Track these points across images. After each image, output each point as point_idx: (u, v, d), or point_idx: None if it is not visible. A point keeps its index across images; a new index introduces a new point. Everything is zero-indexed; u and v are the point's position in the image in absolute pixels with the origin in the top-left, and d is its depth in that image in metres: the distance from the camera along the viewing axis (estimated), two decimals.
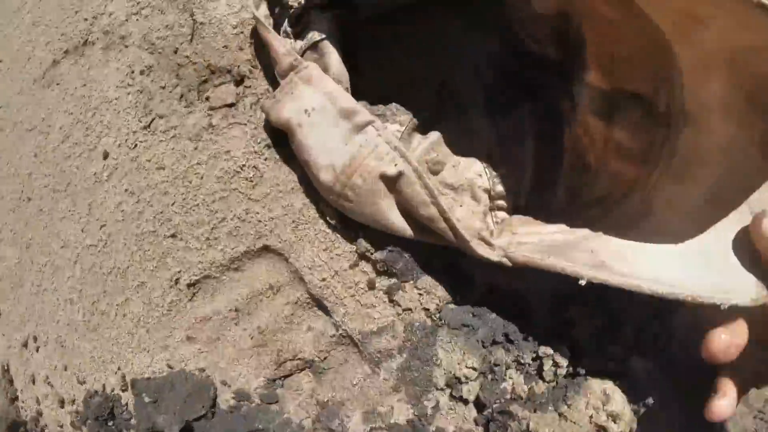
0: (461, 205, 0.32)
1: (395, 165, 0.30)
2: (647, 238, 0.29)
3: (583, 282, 0.28)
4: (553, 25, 0.32)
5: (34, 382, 0.56)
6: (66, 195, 0.47)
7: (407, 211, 0.31)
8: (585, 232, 0.31)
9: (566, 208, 0.34)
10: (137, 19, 0.46)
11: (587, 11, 0.30)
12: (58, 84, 0.51)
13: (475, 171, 0.32)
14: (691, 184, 0.29)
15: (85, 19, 0.51)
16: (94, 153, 0.44)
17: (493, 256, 0.30)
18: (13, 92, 0.57)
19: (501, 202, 0.33)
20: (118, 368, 0.45)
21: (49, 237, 0.49)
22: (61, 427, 0.53)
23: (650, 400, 0.39)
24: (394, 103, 0.34)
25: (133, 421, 0.45)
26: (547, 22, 0.32)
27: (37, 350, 0.53)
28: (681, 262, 0.27)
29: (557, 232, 0.31)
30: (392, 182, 0.30)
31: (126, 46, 0.45)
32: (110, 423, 0.47)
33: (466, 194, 0.32)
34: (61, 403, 0.52)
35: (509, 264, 0.30)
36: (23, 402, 0.59)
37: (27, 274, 0.52)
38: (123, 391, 0.45)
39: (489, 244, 0.31)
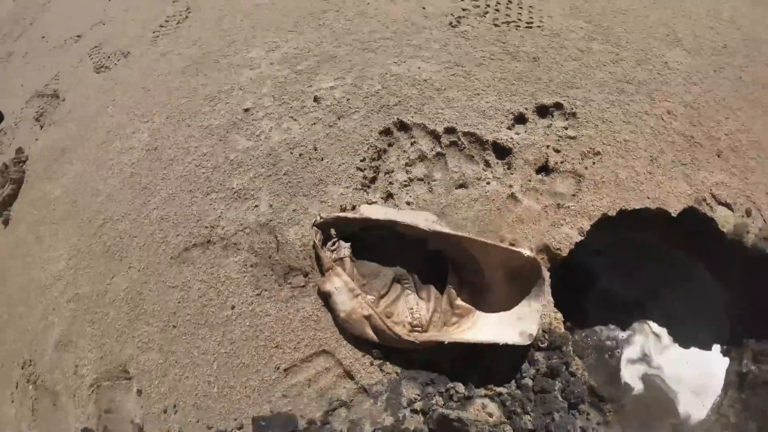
0: (398, 328, 0.80)
1: (367, 311, 0.77)
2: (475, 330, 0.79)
3: (446, 341, 0.76)
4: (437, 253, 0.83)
5: None
6: (205, 326, 0.89)
7: (375, 330, 0.78)
8: (449, 331, 0.80)
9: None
10: (242, 234, 0.92)
11: (448, 251, 0.81)
12: (192, 263, 0.94)
13: (405, 315, 0.81)
14: (484, 307, 0.81)
15: (206, 227, 0.96)
16: (224, 305, 0.88)
17: (410, 338, 0.77)
18: (152, 261, 0.99)
19: (416, 328, 0.81)
20: (237, 417, 0.86)
21: (192, 349, 0.90)
22: None
23: (517, 409, 0.87)
24: (373, 283, 0.83)
25: None
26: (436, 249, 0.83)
27: (175, 413, 0.93)
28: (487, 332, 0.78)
29: (438, 333, 0.80)
30: (368, 318, 0.78)
31: (238, 249, 0.91)
32: None
33: (400, 325, 0.80)
34: None
35: (417, 342, 0.77)
36: None
37: (171, 369, 0.92)
38: (238, 429, 0.86)
39: (409, 336, 0.78)
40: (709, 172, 0.94)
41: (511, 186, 0.96)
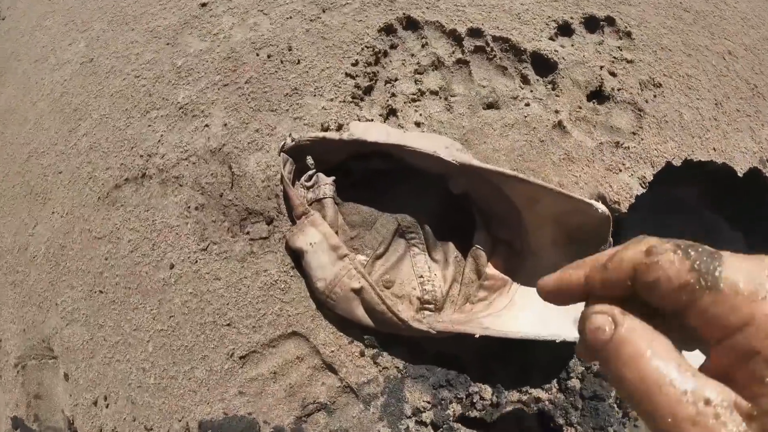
0: (402, 305, 0.53)
1: (359, 282, 0.50)
2: (513, 313, 0.52)
3: (477, 335, 0.49)
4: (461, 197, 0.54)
5: None
6: (137, 292, 0.64)
7: (368, 311, 0.51)
8: (475, 312, 0.52)
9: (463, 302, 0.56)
10: (187, 165, 0.65)
11: (476, 195, 0.52)
12: (122, 205, 0.69)
13: (411, 286, 0.54)
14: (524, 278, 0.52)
15: (141, 156, 0.69)
16: (161, 263, 0.63)
17: (423, 326, 0.50)
18: (77, 203, 0.74)
19: (427, 305, 0.54)
20: (182, 417, 0.62)
21: (122, 322, 0.66)
22: None
23: (559, 420, 0.61)
24: (365, 237, 0.55)
25: None
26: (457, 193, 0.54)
27: (107, 407, 0.70)
28: (530, 319, 0.50)
29: (460, 314, 0.53)
30: (358, 292, 0.51)
31: (180, 186, 0.64)
32: None
33: (405, 300, 0.53)
34: None
35: (434, 332, 0.50)
36: None
37: (99, 348, 0.69)
38: None
39: (420, 321, 0.51)
40: None
41: (557, 112, 0.68)
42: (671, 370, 0.20)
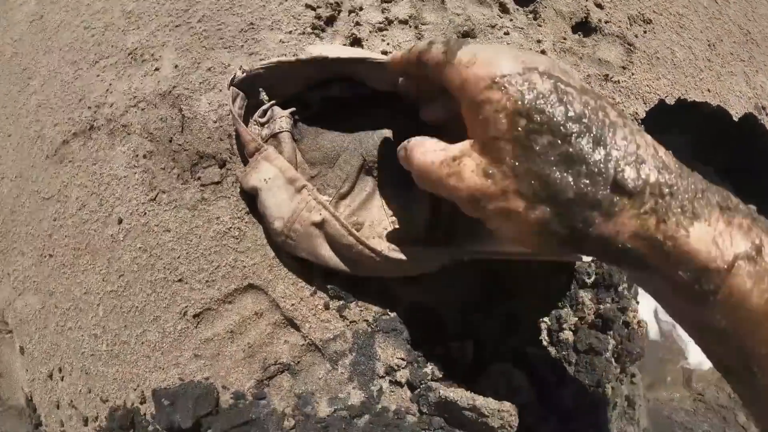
0: (373, 240, 0.46)
1: (320, 214, 0.44)
2: None
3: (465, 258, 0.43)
4: None
5: (58, 407, 0.67)
6: (86, 252, 0.59)
7: (335, 248, 0.45)
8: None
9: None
10: (136, 111, 0.59)
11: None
12: (70, 161, 0.63)
13: (383, 227, 0.47)
14: None
15: (89, 107, 0.63)
16: (109, 219, 0.57)
17: (401, 255, 0.44)
18: (26, 165, 0.69)
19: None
20: (137, 386, 0.57)
21: (72, 286, 0.60)
22: None
23: (551, 377, 0.55)
24: (327, 175, 0.49)
25: (150, 428, 0.57)
26: None
27: (62, 379, 0.64)
28: None
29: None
30: (320, 226, 0.45)
31: (128, 134, 0.58)
32: (131, 431, 0.59)
33: (377, 239, 0.47)
34: (85, 421, 0.63)
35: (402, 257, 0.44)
36: (46, 426, 0.70)
37: (51, 317, 0.64)
38: (141, 404, 0.57)
39: (396, 251, 0.44)
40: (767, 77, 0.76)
41: (539, 42, 0.62)
42: (435, 156, 0.31)
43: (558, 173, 0.26)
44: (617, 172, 0.25)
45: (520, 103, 0.26)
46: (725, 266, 0.24)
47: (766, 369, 0.24)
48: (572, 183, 0.25)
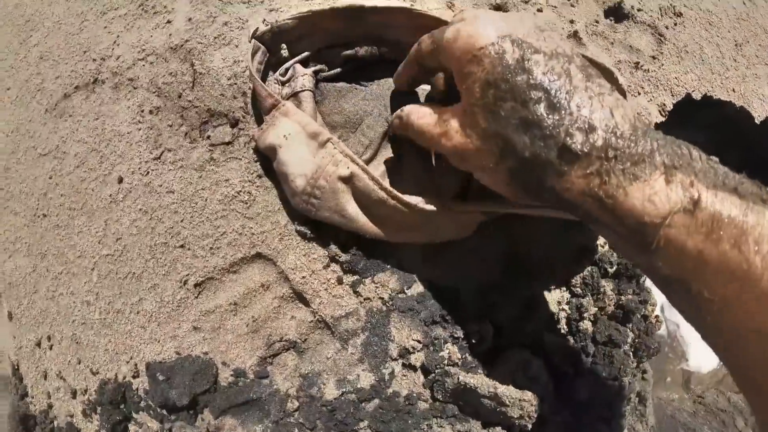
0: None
1: (347, 168, 0.40)
2: None
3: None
4: None
5: (45, 378, 0.63)
6: (82, 213, 0.55)
7: (363, 204, 0.42)
8: None
9: None
10: (144, 65, 0.55)
11: None
12: (70, 116, 0.59)
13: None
14: None
15: (94, 60, 0.59)
16: (108, 178, 0.53)
17: (439, 207, 0.41)
18: (23, 119, 0.65)
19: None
20: (131, 358, 0.53)
21: (66, 248, 0.57)
22: (72, 417, 0.61)
23: (568, 368, 0.52)
24: (350, 138, 0.46)
25: (143, 404, 0.54)
26: None
27: (51, 348, 0.61)
28: None
29: None
30: (347, 181, 0.41)
31: (135, 88, 0.54)
32: (122, 406, 0.55)
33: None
34: (74, 394, 0.60)
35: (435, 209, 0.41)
36: (33, 397, 0.66)
37: (42, 281, 0.60)
38: (134, 378, 0.54)
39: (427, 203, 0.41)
40: None
41: (572, 22, 0.59)
42: (427, 120, 0.36)
43: (517, 135, 0.30)
44: (567, 136, 0.28)
45: (490, 75, 0.30)
46: (659, 220, 0.27)
47: (713, 312, 0.27)
48: (529, 144, 0.29)
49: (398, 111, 0.40)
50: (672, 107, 0.62)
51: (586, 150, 0.28)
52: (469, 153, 0.33)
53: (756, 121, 0.68)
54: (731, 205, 0.26)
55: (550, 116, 0.29)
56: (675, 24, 0.67)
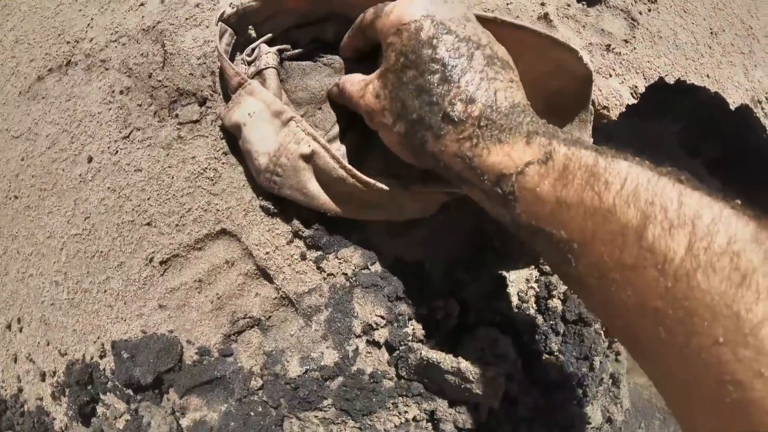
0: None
1: (308, 146, 0.41)
2: None
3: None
4: None
5: (15, 361, 0.63)
6: (52, 193, 0.55)
7: (324, 182, 0.42)
8: None
9: None
10: (116, 47, 0.55)
11: None
12: (43, 98, 0.59)
13: (374, 172, 0.44)
14: None
15: (68, 42, 0.60)
16: (78, 157, 0.53)
17: (394, 186, 0.41)
18: None
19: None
20: (98, 338, 0.53)
21: (36, 229, 0.57)
22: (41, 400, 0.61)
23: (537, 347, 0.52)
24: (316, 115, 0.46)
25: (109, 384, 0.53)
26: None
27: (21, 330, 0.61)
28: None
29: None
30: (308, 159, 0.41)
31: (106, 69, 0.55)
32: (89, 387, 0.55)
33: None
34: (42, 376, 0.59)
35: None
36: (3, 381, 0.65)
37: (12, 263, 0.60)
38: (101, 358, 0.54)
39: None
40: (766, 74, 0.76)
41: (543, 4, 0.60)
42: (356, 86, 0.40)
43: (411, 100, 0.34)
44: (450, 105, 0.32)
45: (405, 46, 0.34)
46: (515, 171, 0.30)
47: (576, 255, 0.27)
48: (417, 108, 0.33)
49: (336, 80, 0.44)
50: (645, 90, 0.63)
51: (463, 118, 0.32)
52: (376, 113, 0.37)
53: (731, 107, 0.69)
54: (584, 155, 0.27)
55: (440, 86, 0.32)
56: (649, 10, 0.68)
